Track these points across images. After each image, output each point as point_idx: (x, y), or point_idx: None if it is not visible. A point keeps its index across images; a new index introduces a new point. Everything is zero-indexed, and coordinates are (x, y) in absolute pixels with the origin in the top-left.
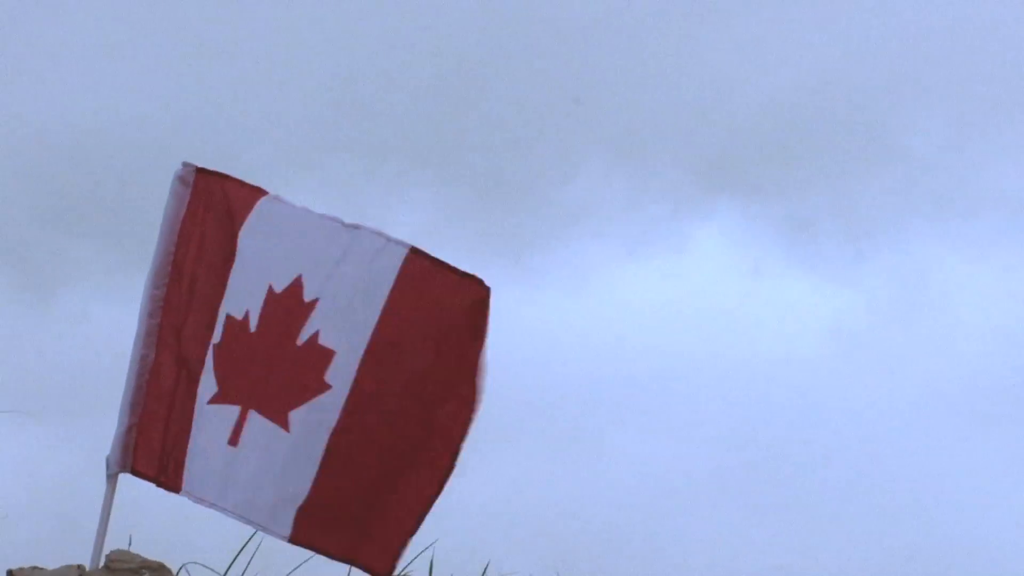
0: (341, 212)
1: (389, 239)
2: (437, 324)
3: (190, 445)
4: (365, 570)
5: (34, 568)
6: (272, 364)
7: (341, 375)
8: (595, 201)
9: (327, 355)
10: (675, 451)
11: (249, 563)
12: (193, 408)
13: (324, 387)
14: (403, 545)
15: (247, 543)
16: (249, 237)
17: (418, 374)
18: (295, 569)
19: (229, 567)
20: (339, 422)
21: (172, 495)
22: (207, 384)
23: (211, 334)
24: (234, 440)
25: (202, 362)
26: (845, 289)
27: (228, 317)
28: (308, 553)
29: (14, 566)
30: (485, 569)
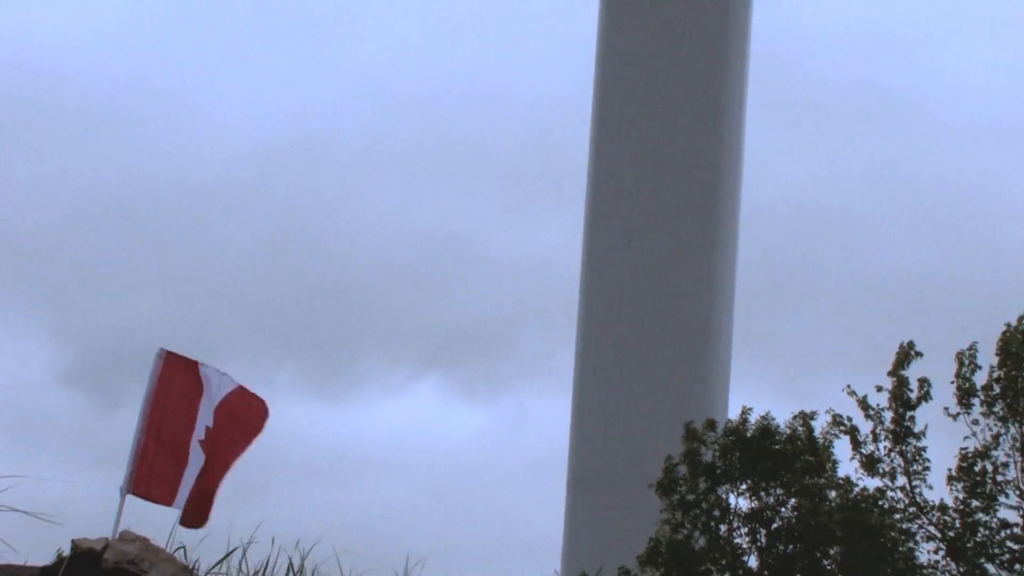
0: None
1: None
2: (247, 414)
3: (183, 485)
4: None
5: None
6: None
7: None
8: None
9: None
10: None
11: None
12: (186, 464)
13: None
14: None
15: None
16: (207, 385)
17: (227, 437)
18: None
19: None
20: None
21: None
22: (196, 456)
23: (190, 437)
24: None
25: (187, 450)
26: None
27: (207, 428)
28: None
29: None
30: None
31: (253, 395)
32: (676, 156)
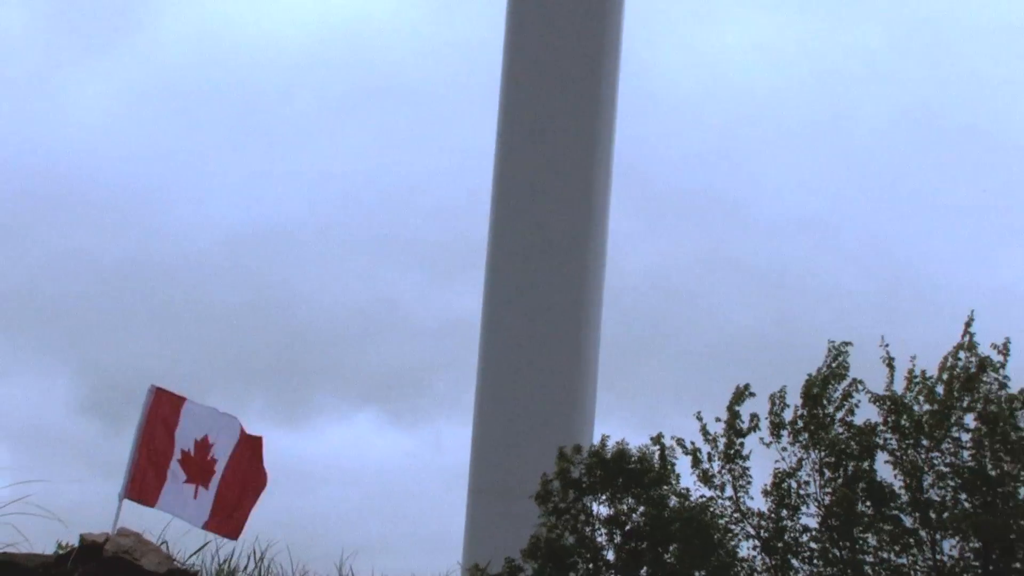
0: None
1: (231, 417)
2: (252, 454)
3: (163, 492)
4: (225, 535)
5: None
6: (205, 469)
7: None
8: None
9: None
10: None
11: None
12: (166, 477)
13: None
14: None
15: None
16: (185, 418)
17: (242, 472)
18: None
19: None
20: (221, 482)
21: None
22: (176, 472)
23: (171, 457)
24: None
25: (168, 466)
26: None
27: (183, 451)
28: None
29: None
30: None
31: (252, 439)
32: (555, 239)
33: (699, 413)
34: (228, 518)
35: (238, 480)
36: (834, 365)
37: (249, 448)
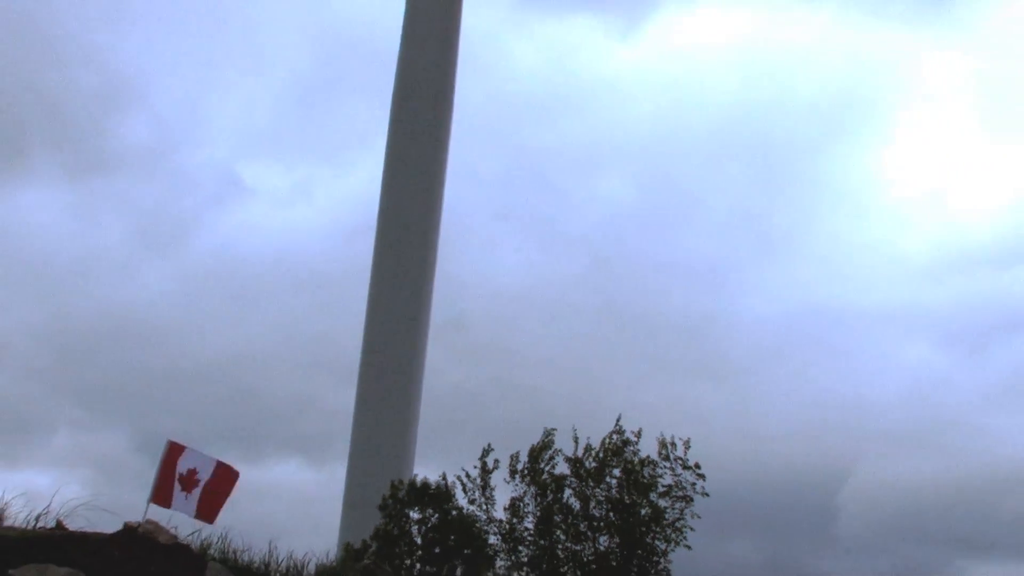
0: None
1: (210, 457)
2: (224, 474)
3: (173, 501)
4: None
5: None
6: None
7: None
8: None
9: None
10: None
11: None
12: (173, 493)
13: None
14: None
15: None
16: (184, 457)
17: (216, 485)
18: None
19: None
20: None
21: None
22: (176, 485)
23: (174, 480)
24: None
25: (173, 486)
26: None
27: (179, 474)
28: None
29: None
30: None
31: (229, 467)
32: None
33: (484, 453)
34: (207, 511)
35: (211, 490)
36: (546, 441)
37: (223, 470)
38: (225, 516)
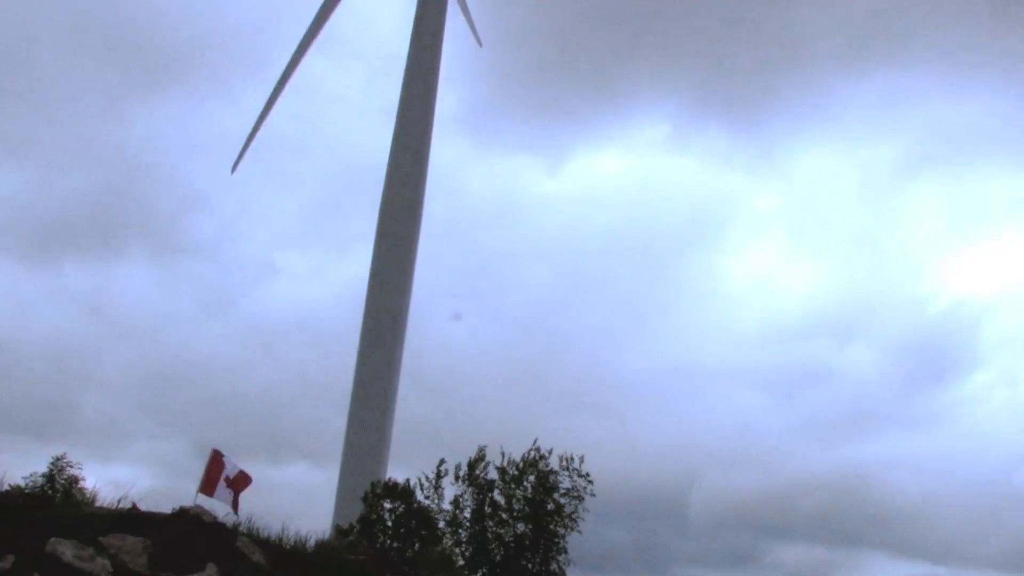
0: None
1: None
2: (243, 477)
3: (215, 491)
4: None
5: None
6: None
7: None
8: None
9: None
10: None
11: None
12: (216, 486)
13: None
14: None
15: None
16: (226, 463)
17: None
18: None
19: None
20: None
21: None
22: (222, 484)
23: (219, 478)
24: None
25: (217, 482)
26: None
27: (226, 477)
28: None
29: None
30: None
31: (246, 473)
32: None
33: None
34: (235, 503)
35: (238, 490)
36: (480, 455)
37: (242, 475)
38: (251, 504)
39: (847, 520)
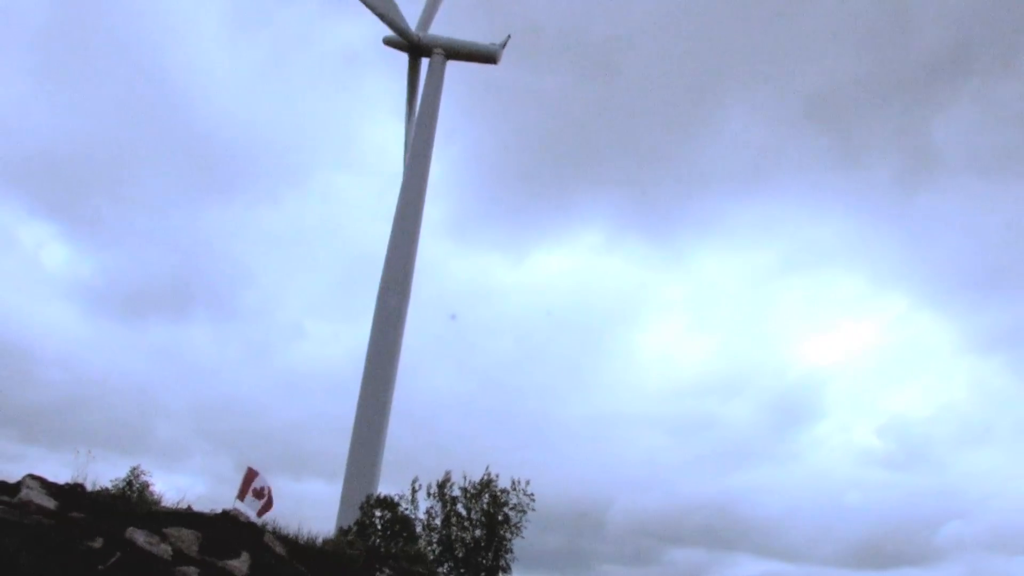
0: None
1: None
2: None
3: (246, 499)
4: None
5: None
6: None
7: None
8: None
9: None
10: None
11: None
12: (247, 495)
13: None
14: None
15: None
16: (257, 479)
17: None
18: None
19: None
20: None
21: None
22: (251, 494)
23: (249, 488)
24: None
25: (248, 490)
26: None
27: (254, 489)
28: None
29: None
30: None
31: (270, 488)
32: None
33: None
34: (261, 510)
35: (263, 508)
36: (447, 477)
37: (268, 490)
38: (276, 510)
39: (724, 531)
